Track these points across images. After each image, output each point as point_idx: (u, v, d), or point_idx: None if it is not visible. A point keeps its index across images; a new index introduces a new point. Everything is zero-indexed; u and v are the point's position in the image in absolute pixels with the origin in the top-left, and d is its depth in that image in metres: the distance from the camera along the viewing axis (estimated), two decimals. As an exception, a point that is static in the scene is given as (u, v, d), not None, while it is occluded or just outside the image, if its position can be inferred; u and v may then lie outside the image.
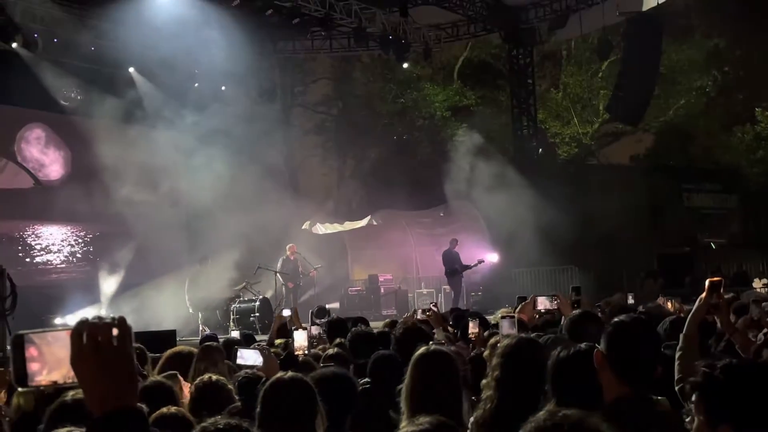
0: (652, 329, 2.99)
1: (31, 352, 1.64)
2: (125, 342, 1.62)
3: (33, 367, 1.64)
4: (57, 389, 1.68)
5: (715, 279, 3.67)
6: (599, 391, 2.65)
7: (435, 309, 7.40)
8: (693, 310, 3.64)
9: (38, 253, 17.41)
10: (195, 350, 5.66)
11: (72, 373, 1.63)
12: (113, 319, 1.63)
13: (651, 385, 2.73)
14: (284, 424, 2.94)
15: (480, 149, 20.33)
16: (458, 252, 17.52)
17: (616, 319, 2.86)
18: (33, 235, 17.38)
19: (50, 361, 1.65)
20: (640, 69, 20.08)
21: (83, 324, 1.61)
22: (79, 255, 18.07)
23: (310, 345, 6.52)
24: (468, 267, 17.38)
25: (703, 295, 3.60)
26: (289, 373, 3.20)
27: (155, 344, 7.18)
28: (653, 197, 20.51)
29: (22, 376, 1.64)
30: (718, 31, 26.46)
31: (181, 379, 4.79)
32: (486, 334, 5.83)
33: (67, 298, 15.70)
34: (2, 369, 4.92)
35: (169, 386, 4.07)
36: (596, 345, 2.80)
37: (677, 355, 3.44)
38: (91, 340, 1.60)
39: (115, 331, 1.62)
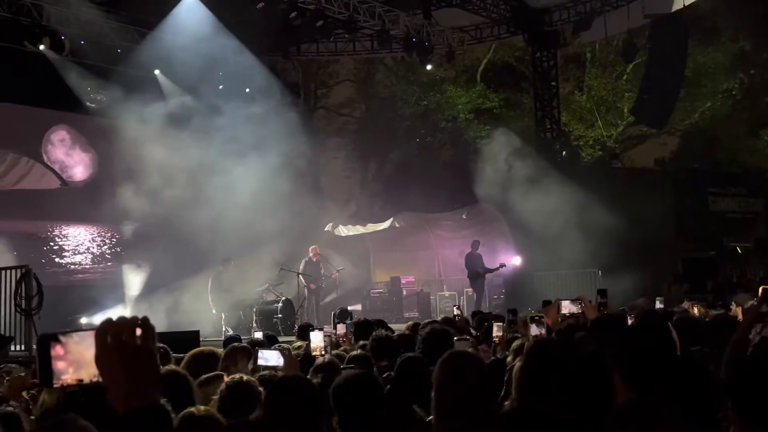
0: (663, 335, 2.96)
1: (57, 350, 1.68)
2: (148, 341, 1.66)
3: (59, 366, 1.67)
4: (82, 388, 1.69)
5: None
6: (609, 394, 2.63)
7: (459, 312, 7.41)
8: (744, 316, 3.59)
9: (64, 254, 17.59)
10: (217, 350, 5.69)
11: (95, 371, 1.67)
12: (137, 318, 1.67)
13: (664, 391, 2.70)
14: (287, 425, 2.95)
15: (511, 150, 20.22)
16: (481, 254, 17.49)
17: (628, 325, 2.85)
18: (59, 236, 17.57)
19: (76, 360, 1.68)
20: (666, 71, 19.93)
21: (107, 323, 1.65)
22: (104, 255, 18.24)
23: (336, 344, 6.56)
24: (490, 270, 17.35)
25: (755, 301, 3.55)
26: (293, 374, 3.22)
27: (179, 345, 7.22)
28: (678, 201, 20.36)
29: (48, 376, 1.68)
30: (744, 34, 26.22)
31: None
32: (509, 337, 5.82)
33: (92, 299, 15.86)
34: (22, 373, 4.97)
35: (183, 376, 4.09)
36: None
37: (724, 360, 3.40)
38: (115, 339, 1.64)
39: (138, 331, 1.66)
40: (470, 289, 17.82)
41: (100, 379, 1.67)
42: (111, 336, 1.64)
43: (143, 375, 1.64)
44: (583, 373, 2.75)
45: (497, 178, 19.65)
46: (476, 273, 17.14)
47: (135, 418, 1.60)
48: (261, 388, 3.91)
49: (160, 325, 14.22)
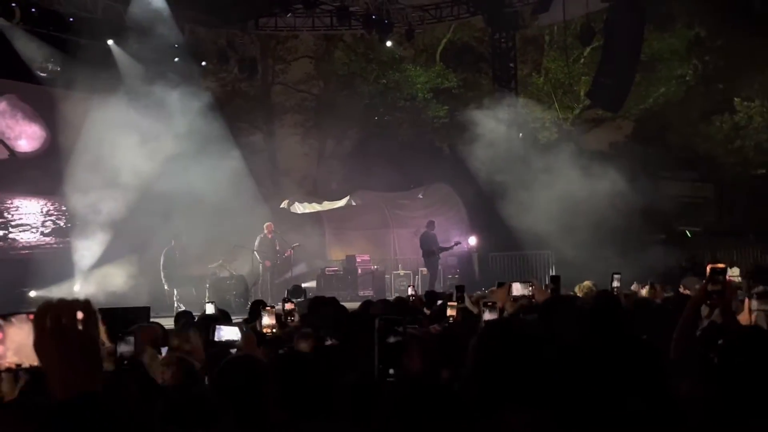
0: (615, 311, 2.98)
1: None
2: (90, 326, 1.59)
3: None
4: (20, 371, 1.64)
5: (719, 265, 3.63)
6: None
7: (413, 292, 7.43)
8: (693, 296, 3.63)
9: (12, 227, 17.21)
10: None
11: (34, 355, 1.60)
12: (78, 301, 1.60)
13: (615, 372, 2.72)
14: (233, 403, 2.92)
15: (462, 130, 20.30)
16: (435, 234, 17.56)
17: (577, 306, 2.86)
18: (7, 208, 17.18)
19: (13, 345, 1.63)
20: (622, 56, 20.11)
21: (46, 306, 1.58)
22: (54, 229, 17.89)
23: (285, 322, 6.54)
24: (445, 249, 17.46)
25: (704, 280, 3.59)
26: (237, 353, 3.19)
27: (128, 321, 7.11)
28: (630, 184, 20.62)
29: None
30: (699, 21, 26.56)
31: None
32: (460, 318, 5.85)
33: (41, 273, 15.57)
34: None
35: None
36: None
37: (674, 337, 3.44)
38: (54, 324, 1.56)
39: (80, 315, 1.58)
40: (425, 269, 17.91)
41: (38, 364, 1.60)
42: (50, 319, 1.57)
43: (84, 361, 1.57)
44: (536, 354, 2.75)
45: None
46: (430, 251, 17.22)
47: (74, 406, 1.53)
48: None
49: (109, 300, 14.08)
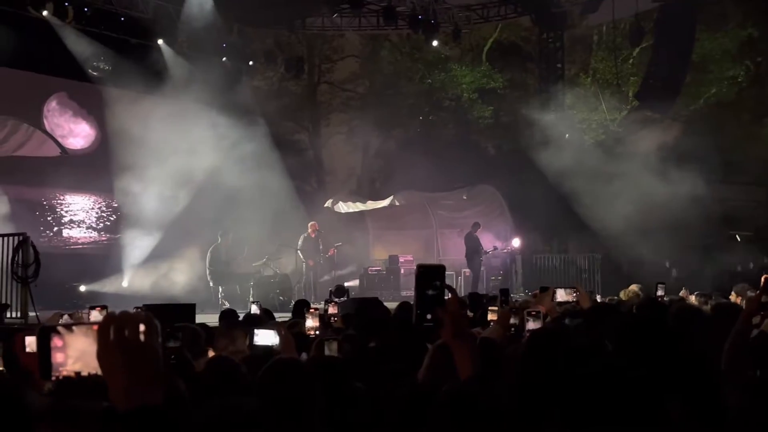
0: (662, 325, 2.92)
1: (56, 342, 1.67)
2: (152, 338, 1.63)
3: (57, 358, 1.66)
4: (80, 379, 1.68)
5: None
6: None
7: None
8: (746, 307, 3.55)
9: (63, 222, 17.57)
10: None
11: (95, 365, 1.64)
12: (141, 314, 1.64)
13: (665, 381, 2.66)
14: (278, 406, 2.92)
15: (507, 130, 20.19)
16: (478, 236, 17.49)
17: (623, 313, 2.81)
18: (58, 204, 17.53)
19: (74, 353, 1.67)
20: (672, 56, 19.78)
21: (110, 318, 1.62)
22: (103, 225, 18.22)
23: (329, 323, 6.55)
24: (485, 252, 17.47)
25: (759, 291, 3.51)
26: (287, 356, 3.18)
27: (174, 316, 7.20)
28: (680, 187, 20.28)
29: (47, 368, 1.67)
30: (752, 21, 26.01)
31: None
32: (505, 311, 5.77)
33: (90, 268, 15.88)
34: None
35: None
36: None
37: (725, 348, 3.37)
38: (117, 335, 1.61)
39: (142, 327, 1.62)
40: (468, 270, 17.83)
41: (98, 371, 1.64)
42: (114, 331, 1.61)
43: (145, 373, 1.61)
44: (582, 368, 2.70)
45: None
46: (475, 253, 17.17)
47: (136, 418, 1.56)
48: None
49: (156, 296, 14.28)
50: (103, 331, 1.61)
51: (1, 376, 4.30)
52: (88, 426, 2.54)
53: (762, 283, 3.50)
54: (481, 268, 17.52)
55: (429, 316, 2.54)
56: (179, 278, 16.15)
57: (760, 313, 3.56)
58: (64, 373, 1.67)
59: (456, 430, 1.94)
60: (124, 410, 1.57)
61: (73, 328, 1.68)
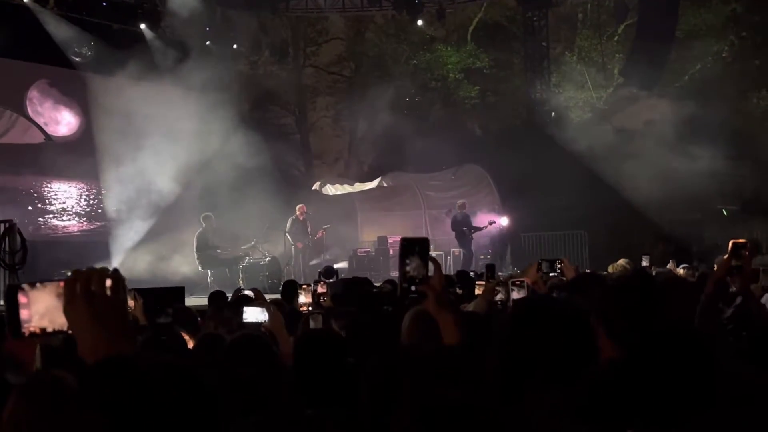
0: (647, 288, 2.94)
1: (21, 300, 1.66)
2: (118, 291, 1.65)
3: (23, 315, 1.66)
4: (45, 336, 1.69)
5: (740, 240, 3.60)
6: (593, 353, 2.61)
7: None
8: (715, 270, 3.61)
9: (49, 209, 17.50)
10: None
11: (61, 321, 1.66)
12: (106, 269, 1.67)
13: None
14: (243, 382, 2.94)
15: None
16: (468, 214, 17.54)
17: (612, 279, 2.83)
18: (44, 191, 17.45)
19: (39, 310, 1.67)
20: (657, 33, 19.80)
21: (76, 273, 1.65)
22: (90, 211, 18.15)
23: (318, 302, 6.59)
24: (478, 228, 17.45)
25: (726, 255, 3.56)
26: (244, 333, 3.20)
27: (163, 300, 7.21)
28: (666, 162, 20.37)
29: (17, 326, 1.67)
30: (736, -4, 26.05)
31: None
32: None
33: (77, 254, 15.80)
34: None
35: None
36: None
37: (697, 314, 3.41)
38: (84, 289, 1.63)
39: (108, 282, 1.65)
40: (457, 249, 17.88)
41: (64, 328, 1.66)
42: (80, 286, 1.63)
43: (113, 325, 1.63)
44: (568, 332, 2.72)
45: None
46: (461, 232, 17.21)
47: (103, 368, 1.55)
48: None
49: (146, 281, 14.27)
50: (69, 286, 1.63)
51: None
52: (61, 400, 2.55)
53: (729, 248, 3.55)
54: (472, 248, 17.58)
55: (413, 288, 2.58)
56: (168, 264, 16.13)
57: (729, 276, 3.61)
58: (30, 329, 1.67)
59: (437, 392, 1.96)
60: (94, 362, 1.57)
61: (38, 284, 1.68)
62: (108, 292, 1.64)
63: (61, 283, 1.66)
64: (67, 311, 1.64)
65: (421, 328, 3.15)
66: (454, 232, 17.46)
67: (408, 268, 2.54)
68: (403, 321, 3.47)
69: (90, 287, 1.63)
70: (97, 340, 1.61)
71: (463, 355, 2.61)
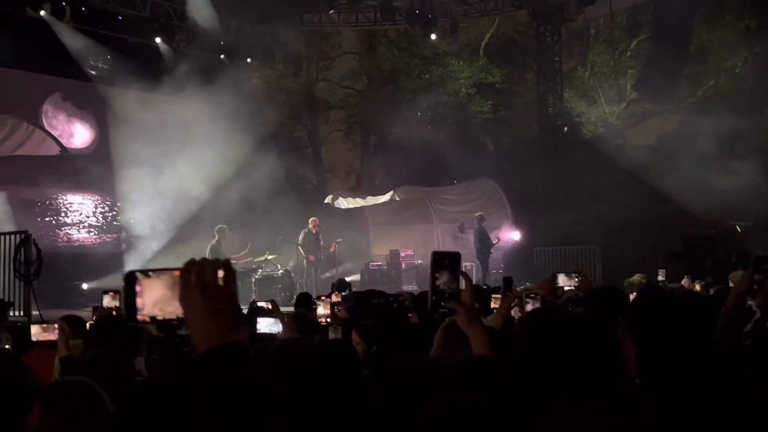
0: (677, 305, 2.95)
1: (137, 288, 1.75)
2: (229, 282, 1.71)
3: (138, 303, 1.75)
4: (156, 323, 1.78)
5: (762, 256, 3.58)
6: (621, 366, 2.60)
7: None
8: (735, 285, 3.58)
9: (64, 220, 17.59)
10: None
11: (170, 309, 1.74)
12: (218, 260, 1.73)
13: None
14: (285, 386, 2.94)
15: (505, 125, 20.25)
16: (485, 229, 17.69)
17: (641, 292, 2.83)
18: (59, 202, 17.55)
19: (151, 298, 1.75)
20: (670, 48, 19.79)
21: (191, 263, 1.71)
22: (105, 223, 18.25)
23: (334, 312, 6.62)
24: (493, 244, 17.63)
25: (747, 271, 3.54)
26: (292, 337, 3.22)
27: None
28: (679, 178, 20.32)
29: (132, 311, 1.75)
30: (749, 13, 26.02)
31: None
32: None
33: (91, 265, 15.91)
34: (61, 321, 4.98)
35: None
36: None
37: (717, 329, 3.40)
38: (198, 279, 1.69)
39: (220, 272, 1.71)
40: (469, 264, 17.86)
41: (173, 316, 1.74)
42: (194, 275, 1.69)
43: (224, 314, 1.69)
44: (593, 345, 2.72)
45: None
46: (483, 247, 17.33)
47: (216, 355, 1.64)
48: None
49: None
50: (185, 274, 1.70)
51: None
52: (84, 406, 2.58)
53: (752, 263, 3.53)
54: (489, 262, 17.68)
55: (443, 302, 2.60)
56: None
57: (751, 290, 3.58)
58: (141, 317, 1.75)
59: (468, 398, 1.98)
60: (206, 349, 1.65)
61: (150, 273, 1.76)
62: (220, 282, 1.69)
63: (176, 272, 1.72)
64: (183, 300, 1.69)
65: (453, 340, 3.16)
66: (479, 245, 17.50)
67: (438, 282, 2.55)
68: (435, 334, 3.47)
69: (204, 277, 1.68)
70: (210, 328, 1.67)
71: (493, 366, 2.63)
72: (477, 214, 17.83)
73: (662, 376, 2.31)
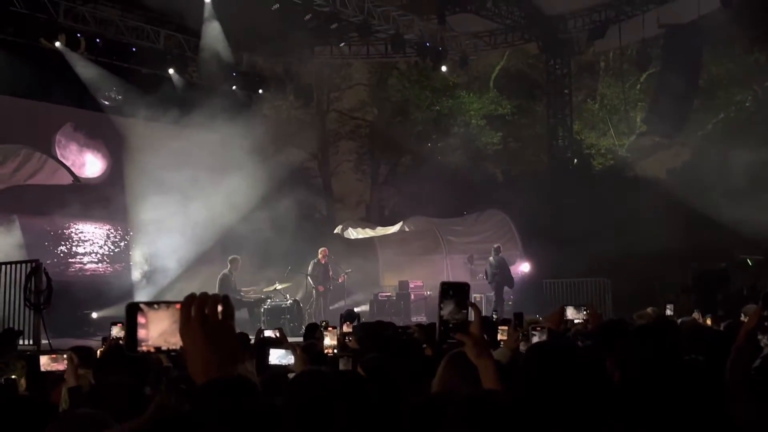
0: (668, 339, 2.94)
1: (139, 319, 1.79)
2: (228, 317, 1.75)
3: (141, 334, 1.79)
4: (159, 354, 1.88)
5: None
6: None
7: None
8: (746, 321, 3.55)
9: (75, 250, 17.68)
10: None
11: (173, 341, 1.78)
12: (218, 296, 1.77)
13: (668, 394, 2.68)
14: (303, 416, 2.93)
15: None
16: (503, 258, 17.82)
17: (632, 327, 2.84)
18: (71, 232, 17.65)
19: (157, 330, 1.80)
20: (679, 82, 19.87)
21: (192, 297, 1.75)
22: (115, 252, 18.32)
23: (343, 343, 6.59)
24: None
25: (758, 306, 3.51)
26: (310, 368, 3.22)
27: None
28: (689, 211, 20.28)
29: (133, 343, 1.79)
30: (759, 46, 26.11)
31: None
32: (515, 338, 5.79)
33: (102, 295, 15.93)
34: (70, 352, 5.00)
35: None
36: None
37: (728, 366, 3.38)
38: (198, 312, 1.73)
39: (219, 307, 1.75)
40: (478, 295, 17.82)
41: (174, 347, 1.79)
42: (195, 309, 1.73)
43: (223, 348, 1.72)
44: (585, 378, 2.72)
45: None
46: (506, 277, 17.46)
47: (215, 388, 1.67)
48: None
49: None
50: (185, 308, 1.74)
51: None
52: None
53: (762, 298, 3.51)
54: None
55: (452, 334, 2.60)
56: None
57: (762, 326, 3.55)
58: (145, 348, 1.79)
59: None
60: (204, 381, 1.68)
61: (155, 306, 1.81)
62: (219, 317, 1.74)
63: (177, 306, 1.77)
64: (183, 332, 1.73)
65: (457, 372, 3.16)
66: (494, 276, 17.59)
67: (443, 312, 2.56)
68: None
69: (204, 311, 1.73)
70: (208, 360, 1.70)
71: (498, 396, 2.62)
72: (495, 245, 17.94)
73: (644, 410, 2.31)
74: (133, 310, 1.79)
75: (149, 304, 1.81)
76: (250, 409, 1.65)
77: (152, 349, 1.80)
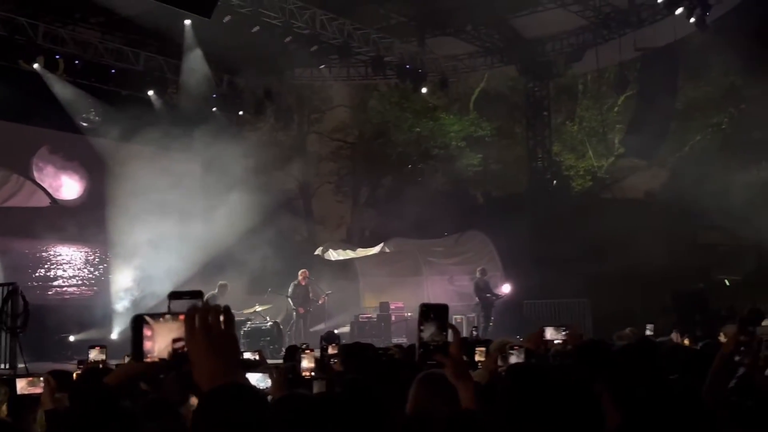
0: (654, 358, 2.96)
1: (145, 332, 1.87)
2: (231, 326, 1.82)
3: (147, 346, 1.87)
4: (165, 364, 1.92)
5: (750, 315, 3.60)
6: (599, 420, 2.60)
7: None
8: (723, 346, 3.59)
9: (52, 273, 17.51)
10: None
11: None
12: (220, 306, 1.84)
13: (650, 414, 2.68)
14: None
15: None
16: (488, 281, 17.91)
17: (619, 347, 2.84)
18: (48, 254, 17.50)
19: (162, 342, 1.87)
20: (657, 104, 20.11)
21: (195, 308, 1.81)
22: (92, 275, 18.16)
23: (327, 365, 6.53)
24: (498, 296, 17.98)
25: (734, 330, 3.55)
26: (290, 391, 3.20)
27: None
28: (668, 232, 20.45)
29: (139, 355, 1.88)
30: (735, 69, 26.47)
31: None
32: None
33: (79, 318, 15.78)
34: (47, 375, 4.95)
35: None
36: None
37: (704, 388, 3.40)
38: (202, 322, 1.79)
39: (222, 317, 1.81)
40: (459, 316, 17.83)
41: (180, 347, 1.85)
42: (199, 319, 1.78)
43: (226, 355, 1.78)
44: (572, 399, 2.71)
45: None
46: (487, 299, 17.55)
47: (219, 395, 1.72)
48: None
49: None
50: (189, 319, 1.79)
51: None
52: None
53: (738, 323, 3.56)
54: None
55: (432, 356, 2.61)
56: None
57: (738, 350, 3.59)
58: (150, 359, 1.87)
59: None
60: (209, 388, 1.74)
61: (160, 319, 1.87)
62: (222, 326, 1.80)
63: (181, 317, 1.83)
64: (188, 341, 1.80)
65: (431, 392, 3.15)
66: (477, 299, 17.67)
67: (423, 335, 2.57)
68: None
69: (207, 321, 1.79)
70: (213, 368, 1.76)
71: (479, 421, 2.62)
72: (479, 268, 18.05)
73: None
74: (139, 322, 1.87)
75: (154, 316, 1.88)
76: (255, 414, 1.71)
77: (157, 360, 1.87)
